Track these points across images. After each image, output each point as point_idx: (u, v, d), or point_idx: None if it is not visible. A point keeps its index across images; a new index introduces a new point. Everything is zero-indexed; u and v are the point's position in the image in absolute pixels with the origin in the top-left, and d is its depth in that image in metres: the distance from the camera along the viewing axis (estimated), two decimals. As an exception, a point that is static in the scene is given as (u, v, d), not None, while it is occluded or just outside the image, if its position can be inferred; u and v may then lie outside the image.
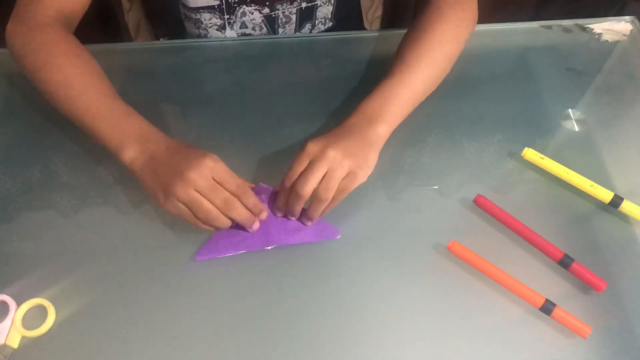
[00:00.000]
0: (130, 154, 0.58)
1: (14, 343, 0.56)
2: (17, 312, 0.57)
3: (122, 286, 0.59)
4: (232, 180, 0.57)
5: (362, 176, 0.58)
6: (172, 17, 0.87)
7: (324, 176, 0.57)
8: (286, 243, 0.61)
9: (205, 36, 0.85)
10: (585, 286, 0.59)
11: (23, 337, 0.56)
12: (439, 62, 0.66)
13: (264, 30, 0.85)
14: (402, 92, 0.63)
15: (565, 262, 0.59)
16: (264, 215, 0.60)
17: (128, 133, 0.59)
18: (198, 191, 0.55)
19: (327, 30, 0.90)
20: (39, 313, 0.57)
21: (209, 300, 0.58)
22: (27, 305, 0.57)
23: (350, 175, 0.57)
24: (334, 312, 0.58)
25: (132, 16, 0.96)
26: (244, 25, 0.83)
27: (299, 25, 0.86)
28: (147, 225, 0.63)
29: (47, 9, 0.65)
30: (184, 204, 0.55)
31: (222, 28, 0.83)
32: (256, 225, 0.59)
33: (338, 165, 0.56)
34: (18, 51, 0.64)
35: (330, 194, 0.57)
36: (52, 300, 0.58)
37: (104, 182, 0.66)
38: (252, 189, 0.61)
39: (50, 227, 0.63)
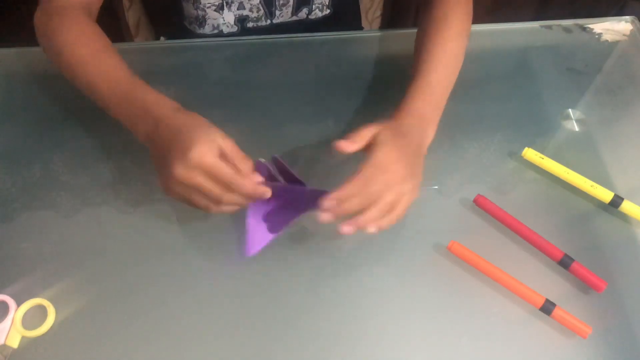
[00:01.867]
0: (143, 132, 0.57)
1: (14, 343, 0.56)
2: (17, 312, 0.57)
3: (122, 286, 0.59)
4: (224, 173, 0.53)
5: (415, 194, 0.56)
6: (172, 15, 0.87)
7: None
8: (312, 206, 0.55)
9: (204, 18, 0.85)
10: (585, 286, 0.59)
11: (23, 337, 0.56)
12: (460, 56, 0.67)
13: (261, 11, 0.85)
14: (440, 91, 0.63)
15: (565, 262, 0.59)
16: (267, 194, 0.54)
17: (138, 109, 0.58)
18: (198, 175, 0.52)
19: (324, 18, 0.90)
20: (39, 313, 0.57)
21: (209, 299, 0.58)
22: (27, 305, 0.57)
23: (407, 196, 0.55)
24: (334, 312, 0.58)
25: (132, 14, 0.96)
26: (241, 6, 0.83)
27: (296, 9, 0.86)
28: (147, 225, 0.63)
29: None
30: (184, 190, 0.53)
31: (220, 8, 0.83)
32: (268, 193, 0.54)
33: (402, 193, 0.54)
34: (42, 38, 0.66)
35: (394, 216, 0.55)
36: (52, 300, 0.58)
37: (104, 182, 0.66)
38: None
39: (50, 227, 0.63)
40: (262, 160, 0.57)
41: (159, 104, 0.57)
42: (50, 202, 0.65)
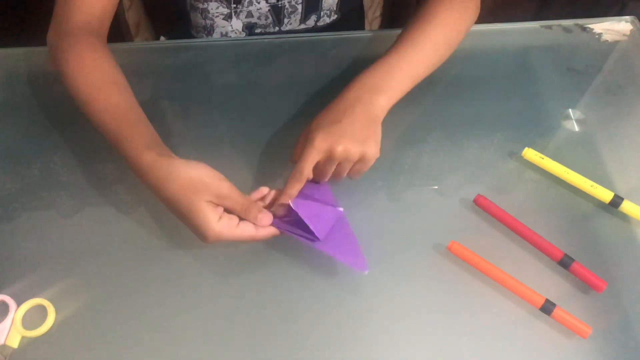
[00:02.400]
0: (144, 180, 0.57)
1: (14, 343, 0.56)
2: (17, 312, 0.57)
3: (122, 286, 0.59)
4: (236, 204, 0.55)
5: (372, 157, 0.59)
6: (175, 11, 0.87)
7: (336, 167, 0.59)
8: (319, 248, 0.57)
9: (211, 27, 0.85)
10: (585, 286, 0.59)
11: (23, 337, 0.56)
12: (441, 47, 0.67)
13: (270, 20, 0.85)
14: (404, 67, 0.63)
15: (565, 262, 0.59)
16: (266, 221, 0.56)
17: (138, 159, 0.57)
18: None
19: (332, 23, 0.90)
20: (39, 313, 0.57)
21: (209, 300, 0.58)
22: (27, 305, 0.57)
23: (361, 160, 0.59)
24: (333, 312, 0.58)
25: (132, 14, 0.96)
26: (250, 14, 0.83)
27: (305, 16, 0.86)
28: (147, 225, 0.63)
29: (79, 15, 0.65)
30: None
31: (228, 17, 0.83)
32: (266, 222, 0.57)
33: (349, 157, 0.58)
34: (55, 59, 0.65)
35: (341, 178, 0.60)
36: (52, 300, 0.58)
37: (104, 182, 0.66)
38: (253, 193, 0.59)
39: (50, 227, 0.63)
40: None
41: (141, 165, 0.56)
42: (50, 202, 0.65)
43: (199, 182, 0.53)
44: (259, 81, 0.77)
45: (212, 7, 0.81)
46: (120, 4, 0.94)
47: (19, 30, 1.02)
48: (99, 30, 0.68)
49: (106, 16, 0.69)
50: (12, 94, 0.75)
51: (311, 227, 0.56)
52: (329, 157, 0.57)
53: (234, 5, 0.81)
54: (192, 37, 0.89)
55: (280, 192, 0.59)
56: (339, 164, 0.58)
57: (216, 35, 0.86)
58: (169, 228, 0.63)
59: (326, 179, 0.60)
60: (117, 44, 0.84)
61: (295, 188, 0.58)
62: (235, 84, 0.76)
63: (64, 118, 0.72)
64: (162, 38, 0.97)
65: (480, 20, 0.72)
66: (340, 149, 0.57)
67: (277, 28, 0.87)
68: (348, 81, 0.76)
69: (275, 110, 0.73)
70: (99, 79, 0.62)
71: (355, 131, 0.58)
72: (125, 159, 0.57)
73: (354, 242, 0.59)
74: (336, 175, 0.60)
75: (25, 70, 0.78)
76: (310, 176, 0.59)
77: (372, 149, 0.58)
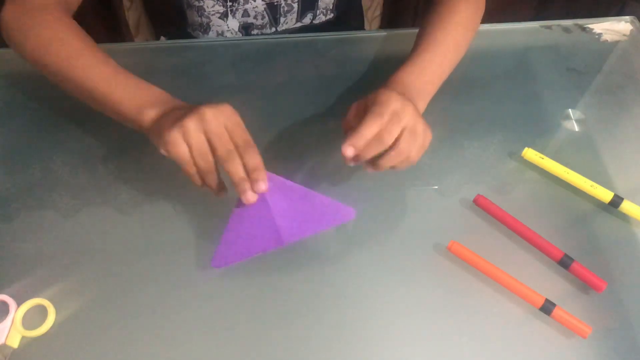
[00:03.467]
0: (151, 114, 0.56)
1: (14, 343, 0.56)
2: (17, 312, 0.57)
3: (122, 286, 0.59)
4: (242, 134, 0.54)
5: (430, 136, 0.57)
6: (173, 9, 0.87)
7: (404, 132, 0.54)
8: (301, 236, 0.57)
9: (208, 25, 0.85)
10: (585, 286, 0.59)
11: (23, 337, 0.56)
12: (461, 45, 0.67)
13: (266, 19, 0.85)
14: (434, 69, 0.63)
15: (565, 262, 0.59)
16: (261, 186, 0.52)
17: (147, 98, 0.58)
18: (207, 134, 0.52)
19: (328, 21, 0.90)
20: (39, 313, 0.57)
21: (209, 300, 0.58)
22: (27, 305, 0.57)
23: (423, 134, 0.56)
24: (334, 312, 0.58)
25: (132, 14, 0.96)
26: (246, 13, 0.83)
27: (301, 15, 0.86)
28: (147, 225, 0.63)
29: None
30: (189, 145, 0.53)
31: (224, 16, 0.83)
32: (251, 197, 0.52)
33: (416, 127, 0.55)
34: (17, 35, 0.63)
35: (412, 151, 0.55)
36: (52, 300, 0.58)
37: (104, 182, 0.66)
38: None
39: (50, 227, 0.63)
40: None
41: (169, 95, 0.59)
42: (50, 202, 0.65)
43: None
44: (258, 81, 0.77)
45: (208, 4, 0.81)
46: (120, 3, 0.94)
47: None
48: (68, 10, 0.66)
49: (72, 1, 0.67)
50: (12, 94, 0.75)
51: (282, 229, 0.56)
52: (397, 118, 0.53)
53: (230, 4, 0.81)
54: (190, 36, 0.89)
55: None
56: (408, 127, 0.54)
57: (212, 34, 0.86)
58: (169, 228, 0.63)
59: (386, 147, 0.53)
60: (117, 44, 0.84)
61: (360, 141, 0.53)
62: (235, 83, 0.76)
63: (64, 118, 0.72)
64: (162, 38, 0.98)
65: (481, 20, 0.72)
66: (411, 110, 0.54)
67: (273, 29, 0.87)
68: (348, 81, 0.76)
69: (275, 110, 0.73)
70: (75, 47, 0.61)
71: (415, 111, 0.56)
72: (123, 114, 0.58)
73: (325, 200, 0.57)
74: (406, 141, 0.54)
75: (25, 70, 0.77)
76: (371, 136, 0.53)
77: (429, 130, 0.57)
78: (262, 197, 0.54)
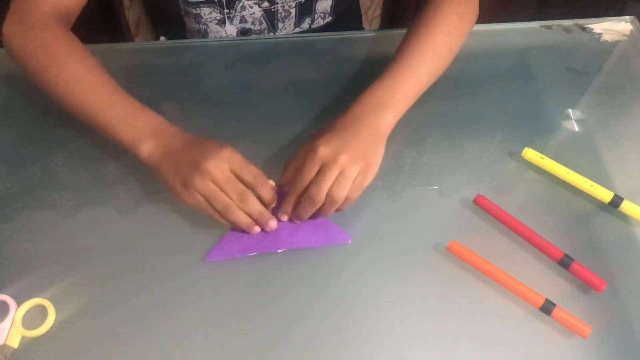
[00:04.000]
0: (147, 147, 0.58)
1: (14, 343, 0.56)
2: (17, 312, 0.57)
3: (122, 286, 0.59)
4: (249, 171, 0.57)
5: (372, 173, 0.59)
6: (172, 15, 0.87)
7: (336, 178, 0.56)
8: (297, 247, 0.60)
9: (205, 31, 0.85)
10: (585, 286, 0.59)
11: (23, 337, 0.56)
12: (443, 54, 0.66)
13: (264, 25, 0.85)
14: (408, 81, 0.63)
15: (565, 262, 0.59)
16: (272, 225, 0.59)
17: (143, 128, 0.59)
18: (215, 182, 0.55)
19: (327, 25, 0.90)
20: (39, 313, 0.57)
21: (210, 300, 0.58)
22: (27, 305, 0.57)
23: (361, 174, 0.57)
24: (334, 312, 0.58)
25: (133, 13, 0.96)
26: (243, 19, 0.83)
27: (299, 20, 0.86)
28: (147, 225, 0.63)
29: (44, 6, 0.64)
30: (202, 195, 0.56)
31: (221, 22, 0.83)
32: (273, 225, 0.59)
33: (350, 168, 0.56)
34: (18, 52, 0.64)
35: (343, 195, 0.57)
36: (52, 300, 0.58)
37: (104, 182, 0.66)
38: None
39: (50, 227, 0.63)
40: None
41: (164, 122, 0.60)
42: (50, 202, 0.65)
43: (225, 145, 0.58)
44: (258, 81, 0.77)
45: (205, 12, 0.81)
46: (120, 4, 0.94)
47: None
48: (67, 23, 0.66)
49: (71, 11, 0.68)
50: (12, 94, 0.75)
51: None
52: (331, 163, 0.56)
53: (227, 11, 0.81)
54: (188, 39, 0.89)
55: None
56: (340, 175, 0.56)
57: None
58: (170, 228, 0.63)
59: (324, 193, 0.57)
60: (117, 44, 0.84)
61: (292, 204, 0.59)
62: (234, 84, 0.76)
63: (64, 118, 0.72)
64: (162, 38, 0.98)
65: (480, 20, 0.72)
66: (344, 157, 0.56)
67: (271, 34, 0.87)
68: (348, 81, 0.76)
69: (275, 110, 0.73)
70: (74, 70, 0.61)
71: (359, 144, 0.58)
72: (121, 144, 0.59)
73: (326, 221, 0.62)
74: (336, 191, 0.56)
75: (25, 70, 0.78)
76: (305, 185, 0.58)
77: (373, 166, 0.58)
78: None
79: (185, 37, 0.89)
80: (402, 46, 0.66)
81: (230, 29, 0.84)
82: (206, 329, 0.57)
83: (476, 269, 0.59)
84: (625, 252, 0.62)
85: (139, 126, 0.59)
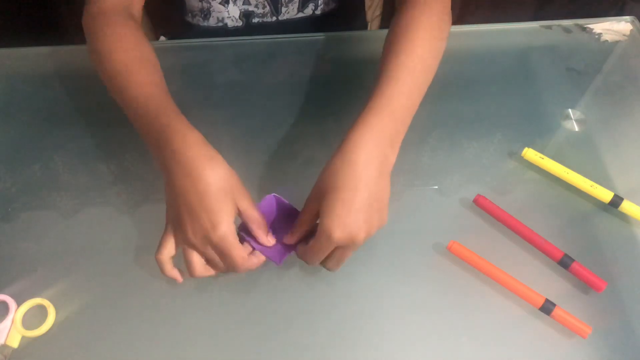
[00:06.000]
0: (166, 177, 0.54)
1: (14, 343, 0.56)
2: (17, 312, 0.57)
3: (122, 286, 0.59)
4: (249, 217, 0.54)
5: (384, 222, 0.54)
6: (173, 11, 0.87)
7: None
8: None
9: (208, 10, 0.84)
10: (585, 286, 0.59)
11: (23, 337, 0.56)
12: (431, 63, 0.60)
13: (267, 8, 0.84)
14: (404, 103, 0.56)
15: (565, 262, 0.59)
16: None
17: (155, 134, 0.55)
18: (204, 255, 0.54)
19: (331, 13, 0.89)
20: (39, 313, 0.57)
21: (210, 300, 0.58)
22: (27, 305, 0.57)
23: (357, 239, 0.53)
24: (333, 312, 0.58)
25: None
26: (247, 1, 0.83)
27: (302, 5, 0.86)
28: (147, 225, 0.63)
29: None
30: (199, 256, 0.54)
31: (225, 2, 0.83)
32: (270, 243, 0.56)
33: (356, 245, 0.53)
34: (88, 36, 0.64)
35: (338, 268, 0.56)
36: (52, 300, 0.58)
37: (104, 182, 0.66)
38: (259, 204, 0.57)
39: (50, 227, 0.63)
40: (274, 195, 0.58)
41: (180, 134, 0.54)
42: (50, 202, 0.65)
43: (236, 184, 0.53)
44: (259, 81, 0.77)
45: None
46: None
47: (19, 30, 1.02)
48: (132, 12, 0.67)
49: (135, 2, 0.68)
50: (12, 94, 0.75)
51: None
52: (348, 247, 0.53)
53: None
54: (188, 23, 0.88)
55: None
56: (343, 251, 0.54)
57: (212, 21, 0.86)
58: (169, 228, 0.63)
59: (339, 267, 0.55)
60: (117, 44, 0.84)
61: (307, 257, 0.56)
62: (235, 83, 0.76)
63: (64, 118, 0.72)
64: (162, 38, 0.98)
65: (480, 20, 0.72)
66: (361, 237, 0.52)
67: (274, 18, 0.86)
68: (348, 81, 0.76)
69: (276, 110, 0.73)
70: (137, 57, 0.61)
71: (372, 207, 0.52)
72: (159, 132, 0.54)
73: None
74: (334, 265, 0.55)
75: (26, 70, 0.78)
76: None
77: (385, 212, 0.54)
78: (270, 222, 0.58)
79: (185, 25, 0.88)
80: (388, 62, 0.59)
81: (233, 10, 0.84)
82: (206, 329, 0.57)
83: (476, 269, 0.59)
84: (625, 252, 0.62)
85: (154, 132, 0.55)
